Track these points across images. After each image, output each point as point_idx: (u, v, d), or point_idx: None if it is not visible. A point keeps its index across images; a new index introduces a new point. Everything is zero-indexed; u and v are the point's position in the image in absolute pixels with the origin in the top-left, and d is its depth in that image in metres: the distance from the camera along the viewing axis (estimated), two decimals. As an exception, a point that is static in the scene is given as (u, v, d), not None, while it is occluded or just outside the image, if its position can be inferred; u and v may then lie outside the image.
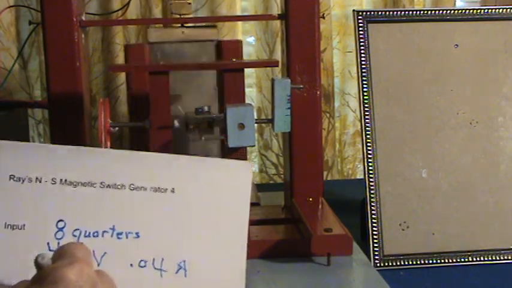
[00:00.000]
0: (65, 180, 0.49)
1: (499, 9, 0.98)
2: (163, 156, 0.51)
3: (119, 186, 0.49)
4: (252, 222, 0.91)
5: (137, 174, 0.49)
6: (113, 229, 0.48)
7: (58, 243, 0.48)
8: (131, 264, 0.48)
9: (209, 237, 0.49)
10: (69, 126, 0.92)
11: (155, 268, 0.48)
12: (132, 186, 0.49)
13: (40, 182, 0.48)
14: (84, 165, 0.49)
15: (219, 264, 0.49)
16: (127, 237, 0.48)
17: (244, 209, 0.51)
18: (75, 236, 0.48)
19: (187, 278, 0.48)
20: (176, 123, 0.83)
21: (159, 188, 0.50)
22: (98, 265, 0.47)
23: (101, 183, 0.49)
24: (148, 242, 0.48)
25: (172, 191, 0.50)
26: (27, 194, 0.48)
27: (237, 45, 1.02)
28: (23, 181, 0.48)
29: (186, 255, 0.49)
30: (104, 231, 0.48)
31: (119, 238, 0.48)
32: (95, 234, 0.48)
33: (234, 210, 0.51)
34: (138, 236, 0.48)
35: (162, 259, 0.48)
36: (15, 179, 0.48)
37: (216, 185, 0.51)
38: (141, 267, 0.48)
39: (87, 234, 0.48)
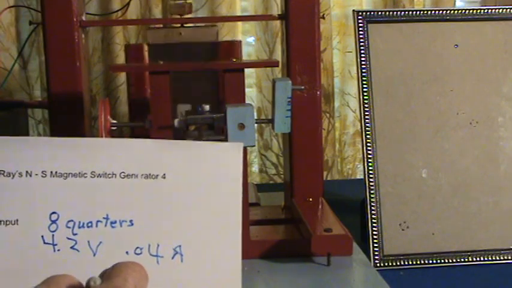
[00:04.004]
0: (56, 172, 0.48)
1: (499, 9, 0.98)
2: (151, 142, 0.51)
3: (110, 175, 0.49)
4: (252, 222, 0.92)
5: (127, 162, 0.49)
6: (107, 218, 0.48)
7: (52, 235, 0.47)
8: (127, 252, 0.48)
9: (203, 220, 0.49)
10: (69, 126, 0.92)
11: (151, 255, 0.48)
12: (122, 174, 0.49)
13: (30, 175, 0.48)
14: (74, 156, 0.49)
15: (214, 247, 0.49)
16: (121, 226, 0.48)
17: (237, 189, 0.50)
18: (69, 227, 0.47)
19: (183, 263, 0.48)
20: (176, 123, 0.83)
21: (150, 174, 0.49)
22: (94, 255, 0.47)
23: (92, 172, 0.49)
24: (142, 229, 0.48)
25: (164, 176, 0.49)
26: (18, 189, 0.48)
27: (237, 45, 1.02)
28: (13, 176, 0.48)
29: (181, 240, 0.48)
30: (98, 221, 0.48)
31: (113, 227, 0.48)
32: (89, 224, 0.48)
33: (226, 191, 0.50)
34: (132, 224, 0.48)
35: (158, 245, 0.48)
36: (5, 174, 0.48)
37: (207, 167, 0.50)
38: (137, 254, 0.48)
39: (81, 225, 0.48)
